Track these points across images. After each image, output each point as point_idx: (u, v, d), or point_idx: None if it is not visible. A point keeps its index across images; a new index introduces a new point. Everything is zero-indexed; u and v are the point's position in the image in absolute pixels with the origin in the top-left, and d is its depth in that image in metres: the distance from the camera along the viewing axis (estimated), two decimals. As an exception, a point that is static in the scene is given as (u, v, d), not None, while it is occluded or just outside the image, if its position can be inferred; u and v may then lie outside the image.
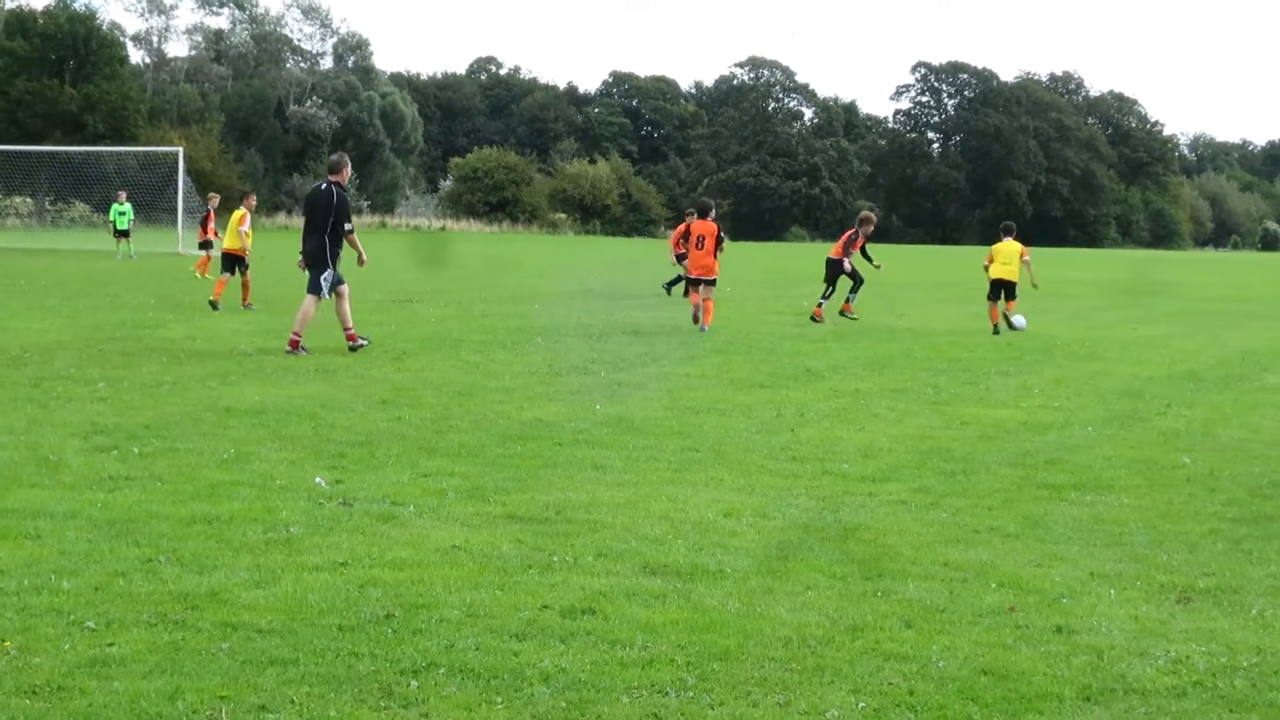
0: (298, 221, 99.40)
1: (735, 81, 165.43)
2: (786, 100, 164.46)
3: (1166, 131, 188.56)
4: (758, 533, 8.47)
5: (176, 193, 56.57)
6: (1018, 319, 24.93)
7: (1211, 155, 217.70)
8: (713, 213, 24.75)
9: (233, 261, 27.00)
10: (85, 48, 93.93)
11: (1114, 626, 6.74)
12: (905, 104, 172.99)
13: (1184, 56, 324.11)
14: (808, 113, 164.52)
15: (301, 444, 11.06)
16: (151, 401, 13.17)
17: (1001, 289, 25.08)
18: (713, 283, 23.76)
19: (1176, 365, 19.45)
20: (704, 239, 23.86)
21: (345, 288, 18.43)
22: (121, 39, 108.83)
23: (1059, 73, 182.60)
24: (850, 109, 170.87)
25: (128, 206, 48.59)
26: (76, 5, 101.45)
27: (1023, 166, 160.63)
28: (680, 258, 30.15)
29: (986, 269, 25.51)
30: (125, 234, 47.89)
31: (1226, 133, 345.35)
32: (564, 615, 6.63)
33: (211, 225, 34.31)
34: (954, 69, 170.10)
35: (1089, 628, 6.71)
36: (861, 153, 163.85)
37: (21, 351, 17.06)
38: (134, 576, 7.09)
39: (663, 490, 9.64)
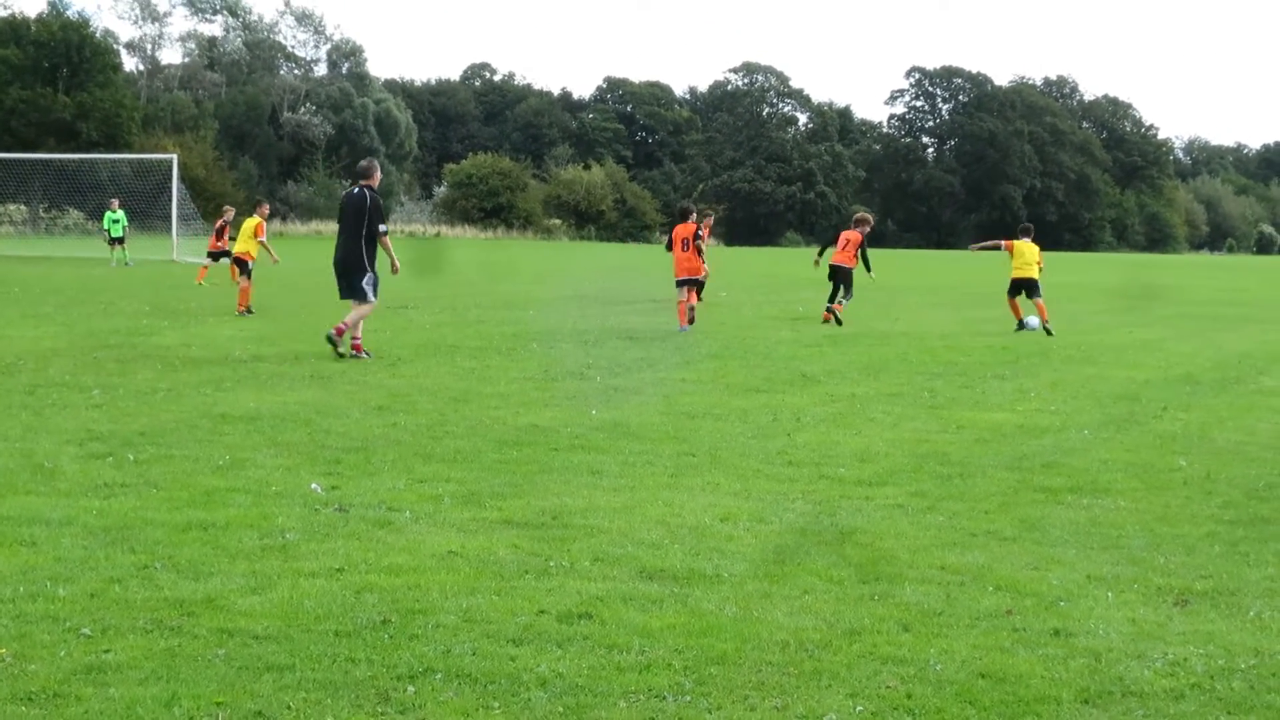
0: (292, 228, 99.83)
1: (729, 87, 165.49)
2: (781, 105, 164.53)
3: (1161, 135, 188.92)
4: (754, 537, 8.47)
5: (171, 200, 56.58)
6: (1031, 320, 25.56)
7: (1206, 159, 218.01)
8: (693, 215, 25.59)
9: (243, 265, 27.26)
10: (79, 55, 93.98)
11: (1111, 629, 6.74)
12: (899, 108, 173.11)
13: (1178, 60, 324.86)
14: (802, 118, 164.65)
15: (297, 450, 11.05)
16: (146, 408, 13.15)
17: (1022, 287, 26.09)
18: (699, 283, 24.60)
19: (1172, 368, 19.46)
20: (687, 241, 24.74)
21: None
22: (115, 46, 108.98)
23: (1053, 77, 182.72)
24: (845, 114, 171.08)
25: (121, 214, 48.63)
26: (70, 13, 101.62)
27: (1017, 170, 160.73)
28: None
29: (998, 248, 27.28)
30: (120, 241, 47.97)
31: (1221, 136, 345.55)
32: (561, 620, 6.63)
33: (226, 236, 34.76)
34: (948, 73, 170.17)
35: (1086, 630, 6.71)
36: (856, 157, 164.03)
37: (16, 359, 17.04)
38: (130, 583, 7.08)
39: (659, 495, 9.63)
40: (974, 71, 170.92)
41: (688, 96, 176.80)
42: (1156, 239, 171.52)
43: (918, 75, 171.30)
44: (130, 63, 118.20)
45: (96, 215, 63.79)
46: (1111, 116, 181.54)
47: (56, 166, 71.84)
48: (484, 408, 13.73)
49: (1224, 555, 8.34)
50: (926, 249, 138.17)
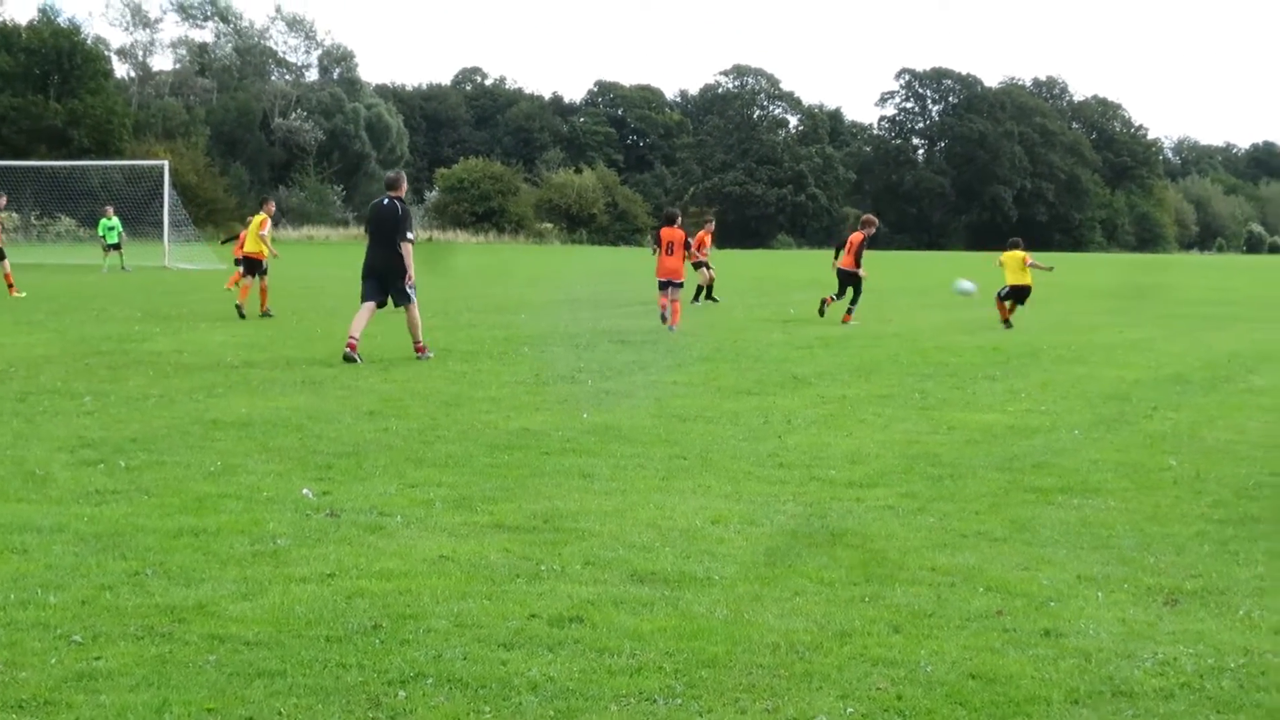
0: (284, 234, 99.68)
1: (720, 90, 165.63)
2: (771, 108, 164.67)
3: (1150, 135, 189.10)
4: (745, 539, 8.47)
5: (163, 206, 56.54)
6: (964, 284, 27.13)
7: (1195, 158, 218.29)
8: (679, 220, 26.50)
9: (253, 266, 27.58)
10: (70, 62, 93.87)
11: (1101, 629, 6.75)
12: (890, 110, 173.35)
13: (1166, 60, 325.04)
14: (793, 120, 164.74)
15: (288, 456, 11.05)
16: (138, 415, 13.14)
17: (1014, 295, 27.31)
18: (680, 285, 25.35)
19: (1162, 368, 19.48)
20: (673, 245, 25.41)
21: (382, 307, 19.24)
22: (106, 53, 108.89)
23: (1043, 77, 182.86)
24: (835, 116, 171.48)
25: (115, 221, 48.64)
26: (61, 20, 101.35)
27: (1007, 171, 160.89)
28: (696, 264, 32.24)
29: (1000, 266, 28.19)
30: (116, 247, 48.02)
31: (1210, 136, 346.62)
32: (552, 624, 6.62)
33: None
34: (938, 75, 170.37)
35: (1077, 631, 6.71)
36: (847, 159, 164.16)
37: (8, 366, 17.02)
38: (121, 590, 7.07)
39: (650, 498, 9.63)
40: (964, 73, 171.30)
41: (678, 100, 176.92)
42: (1146, 239, 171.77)
43: (908, 77, 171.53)
44: (121, 69, 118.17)
45: (88, 222, 63.68)
46: (1101, 117, 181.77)
47: (48, 174, 71.64)
48: (475, 412, 13.73)
49: (1214, 554, 8.35)
50: (918, 250, 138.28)
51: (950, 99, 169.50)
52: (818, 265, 63.92)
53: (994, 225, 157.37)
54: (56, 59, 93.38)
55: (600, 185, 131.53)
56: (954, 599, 7.23)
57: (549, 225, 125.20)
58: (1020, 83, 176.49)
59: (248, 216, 35.45)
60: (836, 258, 29.21)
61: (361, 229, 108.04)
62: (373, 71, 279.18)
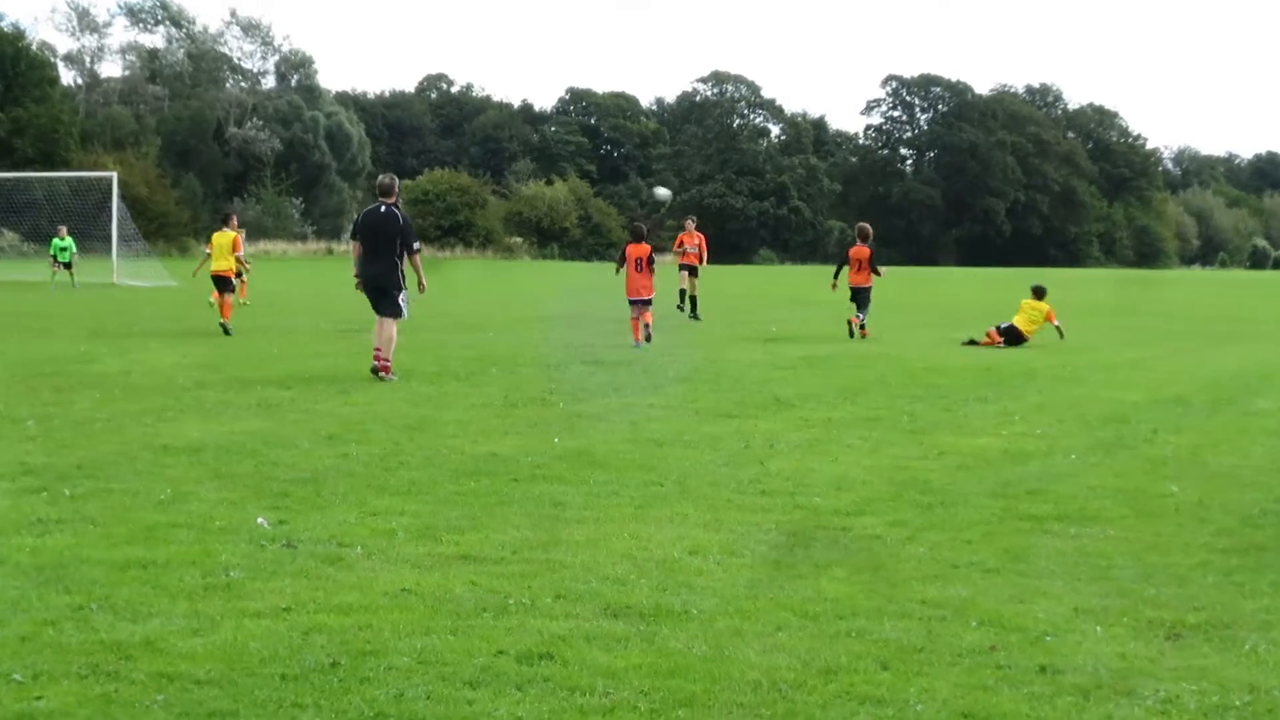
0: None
1: (698, 98, 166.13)
2: (752, 116, 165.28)
3: (1149, 145, 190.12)
4: (725, 571, 8.44)
5: (111, 220, 56.43)
6: (660, 190, 28.28)
7: (1196, 170, 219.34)
8: (645, 234, 27.14)
9: (224, 283, 28.26)
10: (13, 69, 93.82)
11: (1100, 665, 6.74)
12: (876, 119, 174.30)
13: (1165, 67, 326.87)
14: (775, 129, 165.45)
15: (242, 483, 11.00)
16: (84, 440, 13.08)
17: (1011, 338, 27.16)
18: (649, 302, 25.75)
19: (1163, 389, 19.52)
20: (641, 261, 25.85)
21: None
22: (52, 59, 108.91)
23: (1036, 85, 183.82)
24: (819, 125, 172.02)
25: (69, 241, 48.72)
26: (4, 24, 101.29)
27: (1000, 183, 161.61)
28: (684, 267, 34.45)
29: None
30: (68, 266, 48.12)
31: (1211, 146, 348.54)
32: (520, 661, 6.59)
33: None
34: (926, 82, 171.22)
35: (1074, 667, 6.70)
36: (832, 170, 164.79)
37: (-55, 389, 16.94)
38: (64, 625, 7.02)
39: (625, 527, 9.60)
40: (953, 80, 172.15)
41: (654, 108, 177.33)
42: (1146, 253, 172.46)
43: (895, 84, 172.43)
44: (68, 76, 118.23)
45: (32, 237, 63.54)
46: (1097, 126, 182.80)
47: (-10, 186, 71.54)
48: (440, 436, 13.70)
49: (1218, 586, 8.35)
50: (906, 265, 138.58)
51: (939, 107, 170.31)
52: (802, 281, 64.03)
53: (986, 239, 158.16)
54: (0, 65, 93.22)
55: (573, 197, 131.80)
56: (945, 633, 7.21)
57: (519, 239, 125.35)
58: (1012, 90, 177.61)
59: (210, 234, 35.65)
60: (838, 276, 29.50)
61: (321, 243, 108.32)
62: (332, 78, 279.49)
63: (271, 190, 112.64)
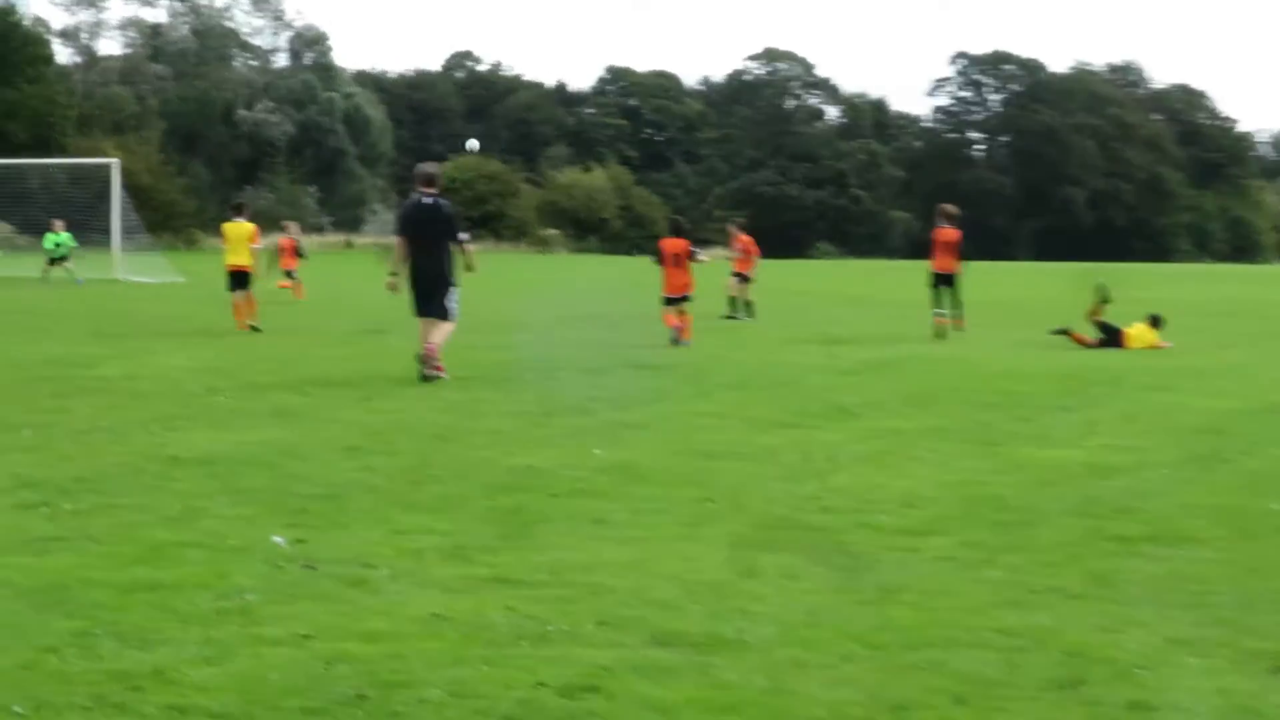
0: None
1: (748, 77, 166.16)
2: (807, 97, 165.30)
3: (1242, 128, 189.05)
4: (783, 596, 8.43)
5: (112, 210, 56.64)
6: (471, 142, 29.38)
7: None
8: (683, 229, 28.17)
9: (241, 279, 28.33)
10: (5, 46, 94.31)
11: (1198, 701, 6.70)
12: (943, 100, 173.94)
13: (1258, 43, 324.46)
14: (831, 111, 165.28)
15: (258, 498, 11.04)
16: (85, 451, 13.15)
17: (1114, 338, 27.00)
18: (689, 299, 26.63)
19: (1263, 397, 19.42)
20: (679, 257, 26.76)
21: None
22: (46, 36, 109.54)
23: (1117, 62, 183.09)
24: (880, 106, 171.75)
25: (64, 236, 48.97)
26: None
27: (1079, 170, 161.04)
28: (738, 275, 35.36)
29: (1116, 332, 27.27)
30: (64, 259, 48.40)
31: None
32: (562, 694, 6.60)
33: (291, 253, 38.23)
34: (997, 59, 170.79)
35: (1169, 703, 6.67)
36: (894, 156, 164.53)
37: (-65, 394, 17.07)
38: (67, 653, 7.06)
39: (673, 548, 9.60)
40: (1027, 57, 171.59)
41: (701, 88, 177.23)
42: (1242, 247, 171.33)
43: (963, 62, 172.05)
44: (64, 54, 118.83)
45: (27, 229, 63.86)
46: (1185, 107, 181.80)
47: (-20, 173, 71.99)
48: (472, 447, 13.73)
49: (1326, 614, 8.31)
50: (977, 260, 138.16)
51: (1012, 87, 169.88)
52: (864, 278, 63.82)
53: (1064, 232, 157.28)
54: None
55: (612, 186, 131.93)
56: (1026, 665, 7.19)
57: (554, 232, 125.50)
58: (1091, 68, 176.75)
59: (219, 226, 35.84)
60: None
61: (340, 235, 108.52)
62: (350, 57, 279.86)
63: (285, 178, 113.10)
